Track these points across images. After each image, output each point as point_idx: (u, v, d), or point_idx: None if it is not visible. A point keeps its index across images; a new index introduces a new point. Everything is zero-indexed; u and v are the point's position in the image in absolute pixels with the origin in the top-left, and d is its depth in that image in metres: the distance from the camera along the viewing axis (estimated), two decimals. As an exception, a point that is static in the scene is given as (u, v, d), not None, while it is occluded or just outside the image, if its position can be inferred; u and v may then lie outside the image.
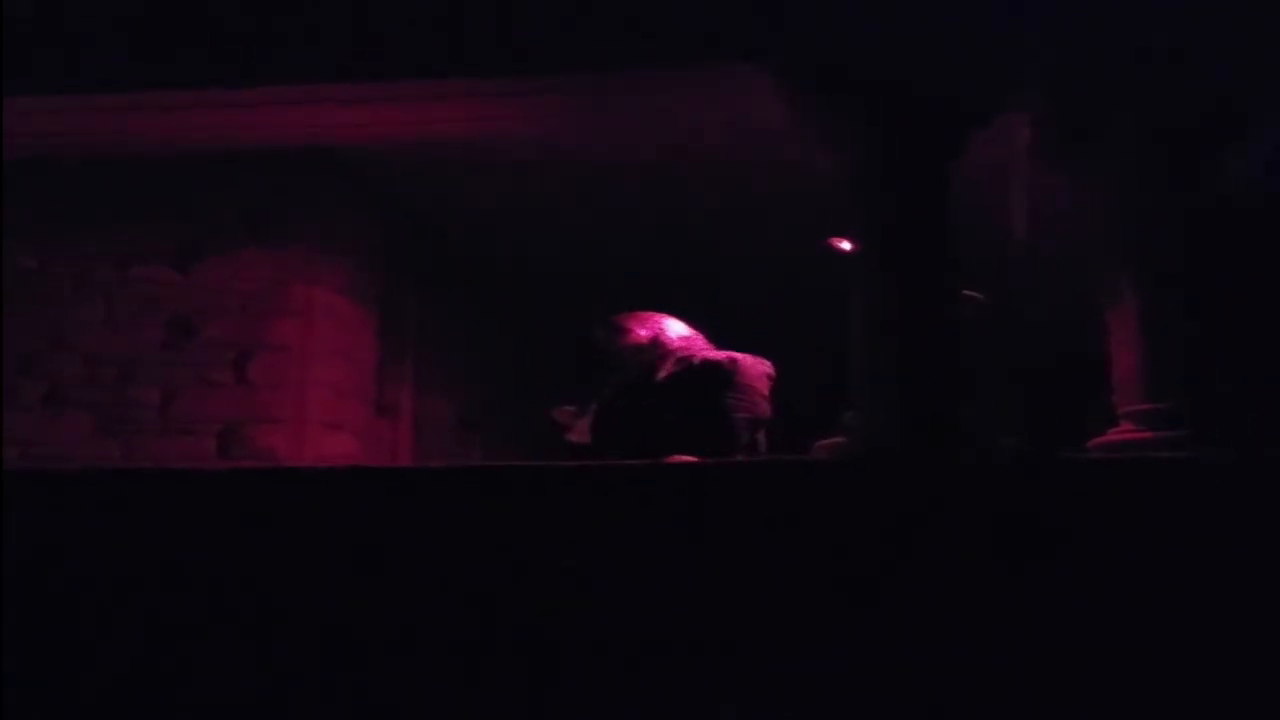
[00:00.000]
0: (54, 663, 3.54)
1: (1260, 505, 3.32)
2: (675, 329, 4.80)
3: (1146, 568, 3.29)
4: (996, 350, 4.84)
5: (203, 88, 5.00)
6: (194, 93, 5.04)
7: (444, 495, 3.67)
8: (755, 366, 4.57)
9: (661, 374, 4.60)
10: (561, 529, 3.54)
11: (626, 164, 5.92)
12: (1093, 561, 3.32)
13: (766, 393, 4.56)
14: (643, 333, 4.74)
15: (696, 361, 4.58)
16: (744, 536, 3.46)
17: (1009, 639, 3.29)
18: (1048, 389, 6.52)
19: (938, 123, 4.17)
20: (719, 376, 4.52)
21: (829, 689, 3.30)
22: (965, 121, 4.22)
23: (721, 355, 4.61)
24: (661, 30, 4.60)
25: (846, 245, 4.51)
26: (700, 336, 4.82)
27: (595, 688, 3.38)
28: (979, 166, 4.39)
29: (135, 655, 3.54)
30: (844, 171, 4.32)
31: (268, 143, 5.52)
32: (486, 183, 6.20)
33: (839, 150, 4.34)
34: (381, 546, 3.57)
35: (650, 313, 4.87)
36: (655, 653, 3.39)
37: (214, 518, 3.65)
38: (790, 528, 3.46)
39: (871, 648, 3.33)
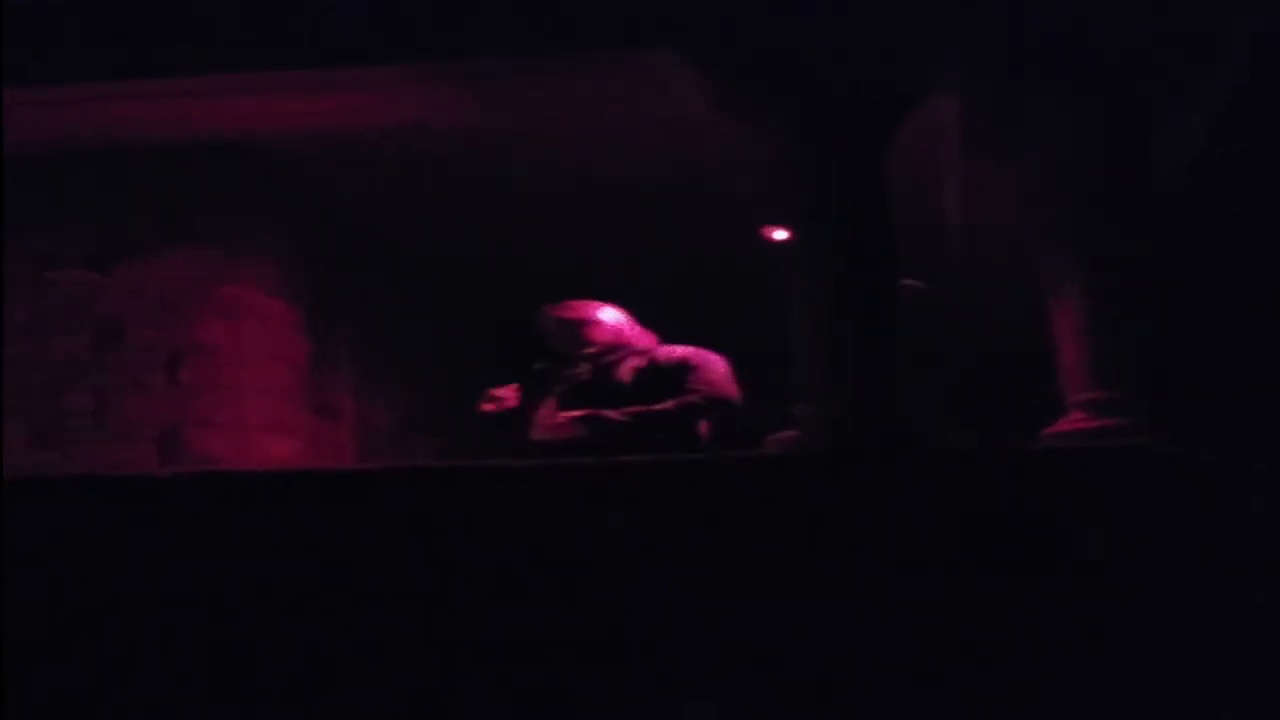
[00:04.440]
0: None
1: (1210, 491, 3.42)
2: (613, 317, 4.86)
3: (1099, 554, 3.36)
4: (939, 339, 4.90)
5: (119, 80, 4.86)
6: (109, 85, 4.90)
7: (387, 496, 3.65)
8: (716, 360, 4.66)
9: (625, 372, 4.67)
10: (512, 528, 3.53)
11: (555, 154, 5.88)
12: (1048, 551, 3.38)
13: (732, 383, 4.62)
14: (602, 332, 4.79)
15: (663, 359, 4.64)
16: (697, 532, 3.48)
17: (960, 627, 3.35)
18: (993, 376, 6.62)
19: (863, 108, 4.19)
20: (690, 372, 4.59)
21: (785, 682, 3.34)
22: (891, 106, 4.24)
23: (682, 350, 4.68)
24: (585, 17, 4.57)
25: (781, 234, 4.52)
26: (633, 321, 4.90)
27: (542, 685, 3.40)
28: (916, 155, 4.42)
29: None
30: (772, 159, 4.33)
31: (190, 138, 5.39)
32: (420, 178, 6.12)
33: (766, 138, 4.35)
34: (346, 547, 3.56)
35: (584, 301, 4.89)
36: (606, 648, 3.42)
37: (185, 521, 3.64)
38: (744, 523, 3.49)
39: (826, 640, 3.37)
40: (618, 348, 4.75)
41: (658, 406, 4.50)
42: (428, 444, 6.95)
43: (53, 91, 4.91)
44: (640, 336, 4.83)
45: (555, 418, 4.55)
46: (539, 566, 3.49)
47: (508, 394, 4.66)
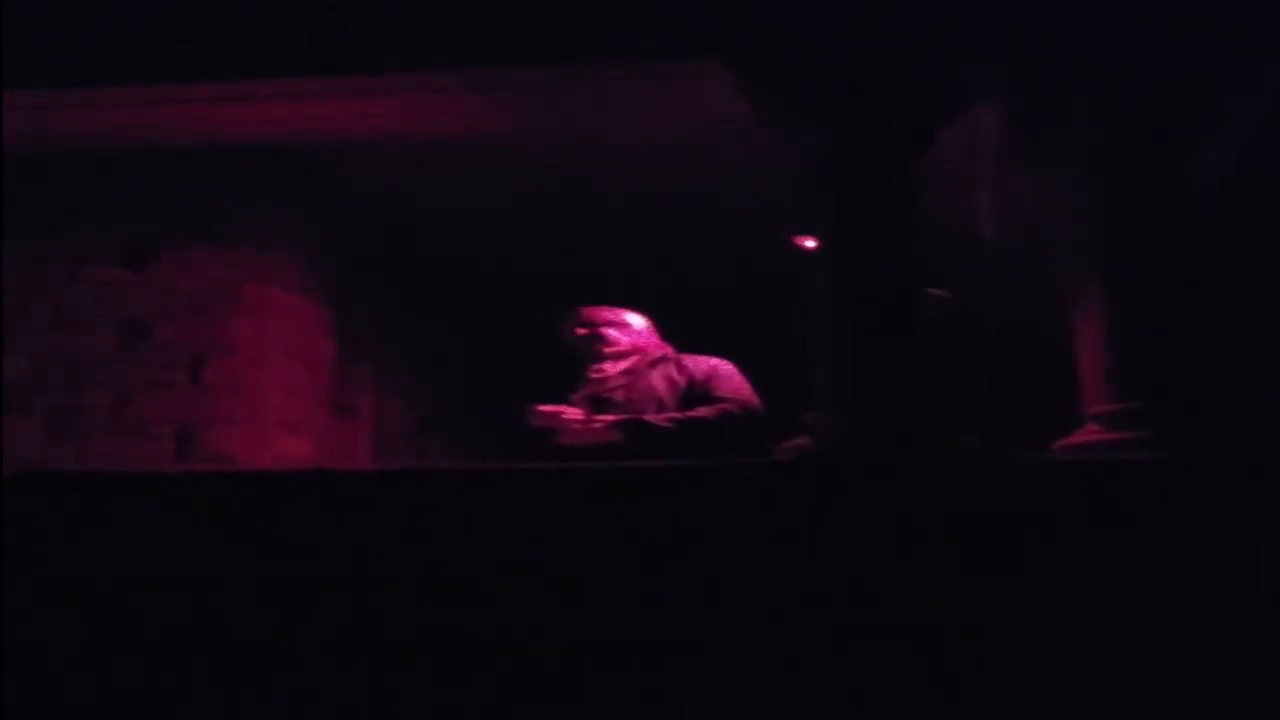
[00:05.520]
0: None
1: (1222, 505, 3.36)
2: (637, 322, 4.87)
3: (1110, 567, 3.31)
4: (962, 349, 4.85)
5: (152, 84, 4.91)
6: (142, 89, 4.95)
7: (407, 498, 3.65)
8: (736, 370, 4.70)
9: (657, 378, 4.68)
10: (528, 531, 3.53)
11: (585, 160, 5.89)
12: (1057, 561, 3.34)
13: (751, 390, 4.64)
14: (625, 337, 4.79)
15: (693, 367, 4.65)
16: (709, 538, 3.46)
17: (971, 636, 3.31)
18: (1014, 388, 6.57)
19: (901, 121, 4.16)
20: (720, 381, 4.62)
21: (796, 688, 3.31)
22: (928, 120, 4.22)
23: (707, 360, 4.71)
24: (624, 26, 4.57)
25: (811, 243, 4.50)
26: (652, 328, 4.91)
27: (556, 688, 3.38)
28: (948, 166, 4.39)
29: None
30: (807, 169, 4.29)
31: (219, 139, 5.43)
32: (444, 179, 6.14)
33: (802, 148, 4.32)
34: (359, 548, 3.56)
35: (608, 306, 4.89)
36: (619, 652, 3.39)
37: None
38: (755, 529, 3.46)
39: (834, 644, 3.34)
40: (640, 353, 4.76)
41: (696, 413, 4.49)
42: (444, 445, 6.95)
43: (85, 94, 4.97)
44: (659, 344, 4.83)
45: (589, 422, 4.53)
46: (550, 569, 3.49)
47: (566, 410, 4.62)
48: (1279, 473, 3.33)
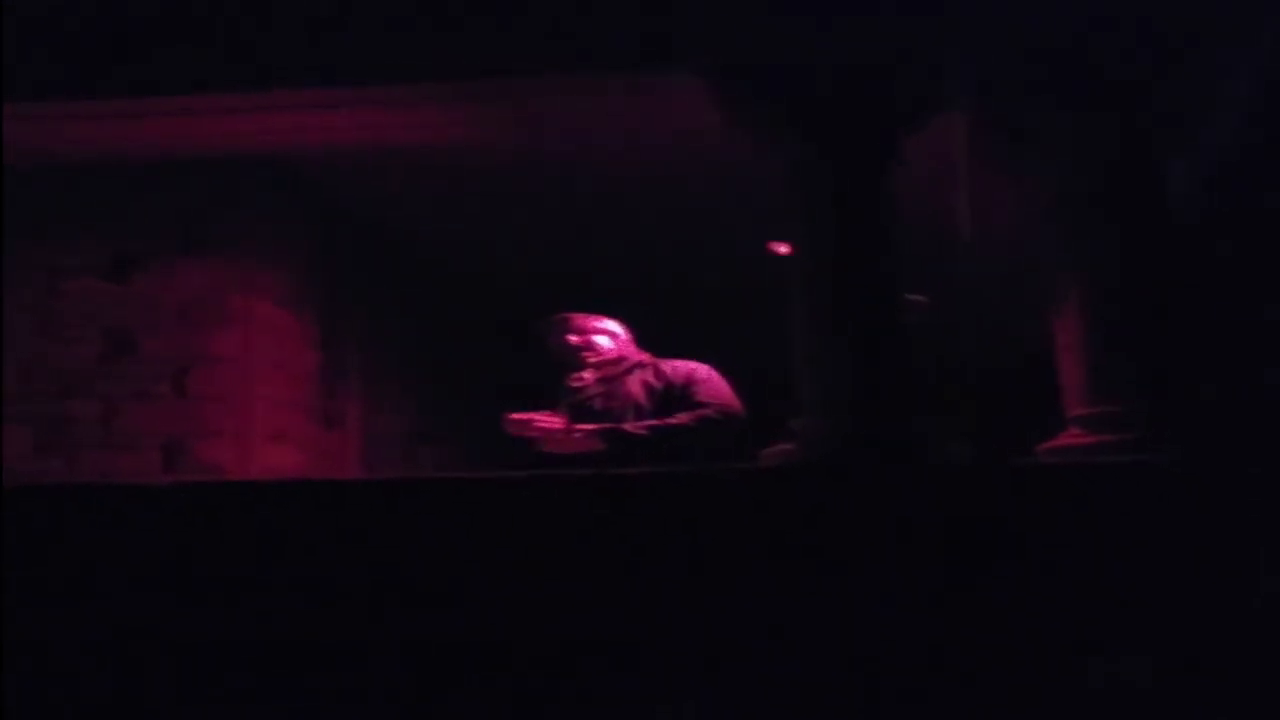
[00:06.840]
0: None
1: (1204, 507, 3.38)
2: (616, 330, 4.89)
3: (1094, 570, 3.33)
4: (942, 354, 4.87)
5: (137, 96, 4.90)
6: (127, 101, 4.95)
7: (395, 506, 3.65)
8: (717, 374, 4.70)
9: (634, 385, 4.70)
10: (517, 539, 3.53)
11: (569, 168, 5.92)
12: (1041, 565, 3.36)
13: (735, 396, 4.65)
14: (605, 344, 4.82)
15: (670, 373, 4.67)
16: (694, 544, 3.47)
17: (962, 640, 3.33)
18: (995, 392, 6.58)
19: (872, 125, 4.18)
20: (698, 386, 4.62)
21: (786, 692, 3.32)
22: (899, 124, 4.23)
23: (685, 365, 4.71)
24: (597, 35, 4.59)
25: (784, 248, 4.51)
26: (630, 335, 4.94)
27: (545, 694, 3.39)
28: (922, 170, 4.41)
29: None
30: (780, 174, 4.31)
31: (203, 150, 5.43)
32: (429, 189, 6.16)
33: (774, 153, 4.35)
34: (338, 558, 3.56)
35: (588, 314, 4.91)
36: (608, 657, 3.40)
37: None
38: (739, 535, 3.47)
39: (819, 652, 3.36)
40: (620, 361, 4.78)
41: (673, 420, 4.51)
42: (434, 455, 6.95)
43: (75, 106, 4.96)
44: (635, 350, 4.86)
45: (570, 431, 4.55)
46: (540, 576, 3.49)
47: (539, 418, 4.64)
48: (1266, 474, 3.35)
